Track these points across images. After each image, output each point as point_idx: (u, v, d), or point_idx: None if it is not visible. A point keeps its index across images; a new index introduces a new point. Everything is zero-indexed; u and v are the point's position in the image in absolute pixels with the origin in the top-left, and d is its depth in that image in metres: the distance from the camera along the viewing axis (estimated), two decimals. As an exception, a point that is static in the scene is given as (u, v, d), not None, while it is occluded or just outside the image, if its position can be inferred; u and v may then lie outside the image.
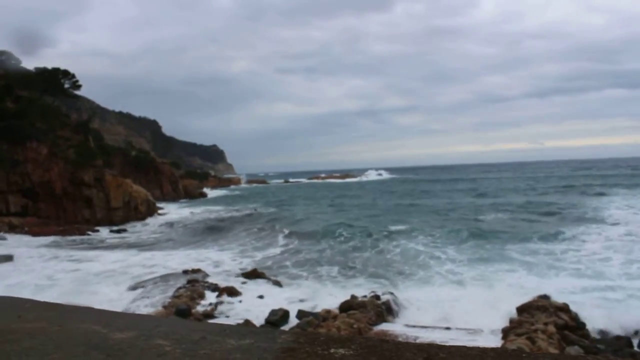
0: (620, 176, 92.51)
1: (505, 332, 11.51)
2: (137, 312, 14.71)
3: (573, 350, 10.22)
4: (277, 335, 1.94)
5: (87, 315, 2.43)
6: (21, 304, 2.71)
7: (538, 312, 12.51)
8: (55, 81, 52.14)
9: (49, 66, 54.85)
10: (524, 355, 1.64)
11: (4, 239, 33.69)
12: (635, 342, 11.87)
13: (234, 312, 15.55)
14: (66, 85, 53.87)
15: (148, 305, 15.74)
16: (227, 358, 1.69)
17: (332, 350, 1.68)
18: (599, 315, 13.92)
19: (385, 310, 15.07)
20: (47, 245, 32.71)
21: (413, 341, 10.77)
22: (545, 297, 13.69)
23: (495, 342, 10.68)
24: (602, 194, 54.43)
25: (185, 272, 21.85)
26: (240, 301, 16.92)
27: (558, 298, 14.27)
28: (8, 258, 26.41)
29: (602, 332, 12.28)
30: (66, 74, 53.25)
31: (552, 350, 9.81)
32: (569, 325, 11.97)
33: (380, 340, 1.79)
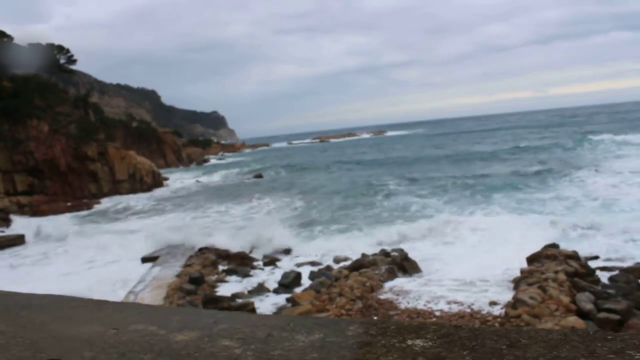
0: (612, 122, 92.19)
1: (517, 282, 11.61)
2: (150, 284, 14.89)
3: (584, 296, 10.32)
4: (345, 326, 1.89)
5: (138, 314, 2.33)
6: (66, 303, 2.56)
7: (548, 260, 12.59)
8: (50, 57, 51.59)
9: (43, 42, 54.33)
10: (609, 337, 1.62)
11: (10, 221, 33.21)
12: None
13: (246, 279, 15.72)
14: (61, 61, 53.32)
15: (161, 275, 15.90)
16: (304, 359, 1.65)
17: (409, 342, 1.68)
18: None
19: (396, 267, 15.18)
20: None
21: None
22: (554, 246, 13.76)
23: (507, 293, 10.80)
24: (591, 142, 53.98)
25: (196, 240, 22.01)
26: (253, 267, 17.11)
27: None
28: (20, 239, 26.55)
29: (612, 278, 12.36)
30: (61, 49, 52.65)
31: (563, 297, 9.92)
32: (579, 272, 12.05)
33: (455, 327, 1.77)
